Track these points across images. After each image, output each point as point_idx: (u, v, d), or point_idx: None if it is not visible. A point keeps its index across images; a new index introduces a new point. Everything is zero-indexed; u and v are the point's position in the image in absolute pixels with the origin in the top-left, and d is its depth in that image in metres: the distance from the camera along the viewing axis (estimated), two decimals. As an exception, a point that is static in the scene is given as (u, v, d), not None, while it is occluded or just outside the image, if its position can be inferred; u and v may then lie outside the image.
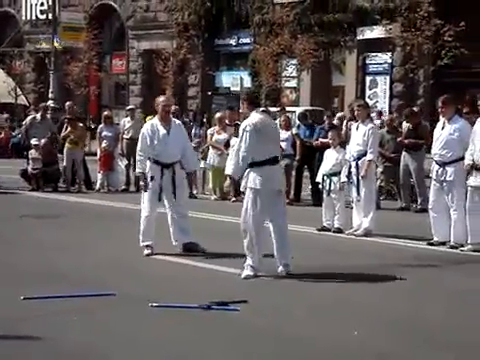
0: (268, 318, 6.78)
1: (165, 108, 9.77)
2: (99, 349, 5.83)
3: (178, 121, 10.32)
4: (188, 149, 9.94)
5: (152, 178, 9.59)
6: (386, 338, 6.21)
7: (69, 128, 17.51)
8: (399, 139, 14.61)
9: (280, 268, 8.50)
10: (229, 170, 8.67)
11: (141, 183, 9.80)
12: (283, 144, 15.69)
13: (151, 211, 9.65)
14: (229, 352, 5.85)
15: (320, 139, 15.13)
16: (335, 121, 16.51)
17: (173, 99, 9.76)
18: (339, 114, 16.13)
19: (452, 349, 5.96)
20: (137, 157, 9.82)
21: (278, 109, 18.67)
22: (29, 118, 18.90)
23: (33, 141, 18.31)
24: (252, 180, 8.46)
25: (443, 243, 10.46)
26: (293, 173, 16.12)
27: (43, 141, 18.12)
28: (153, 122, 9.81)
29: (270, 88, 28.93)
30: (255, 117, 8.58)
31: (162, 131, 9.63)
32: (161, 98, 10.10)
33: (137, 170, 9.99)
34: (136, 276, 8.43)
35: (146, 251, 9.59)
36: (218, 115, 17.15)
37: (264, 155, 8.47)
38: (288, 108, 26.82)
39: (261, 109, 8.96)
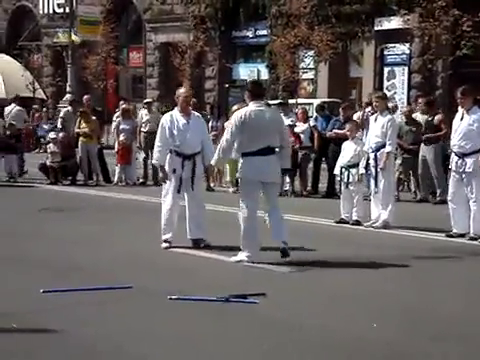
0: (287, 310, 6.76)
1: (186, 99, 9.73)
2: (117, 342, 5.83)
3: (197, 113, 10.31)
4: (207, 142, 9.92)
5: (174, 171, 9.53)
6: (404, 330, 6.17)
7: (82, 121, 17.54)
8: (425, 136, 14.43)
9: (281, 246, 8.61)
10: (213, 161, 9.05)
11: (160, 175, 9.76)
12: (301, 136, 15.70)
13: (173, 204, 9.61)
14: (248, 344, 5.83)
15: (334, 130, 15.09)
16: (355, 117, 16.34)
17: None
18: (356, 115, 15.92)
19: (469, 341, 5.91)
20: (155, 148, 9.75)
21: (277, 103, 18.59)
22: (64, 111, 18.95)
23: (51, 135, 18.40)
24: (242, 171, 8.73)
25: (462, 235, 10.40)
26: (310, 165, 16.11)
27: (61, 135, 18.20)
28: (173, 113, 9.76)
29: (287, 80, 28.84)
30: (247, 109, 8.74)
31: (182, 122, 9.59)
32: (182, 89, 10.11)
33: (154, 161, 9.96)
34: (154, 269, 8.43)
35: (164, 244, 9.57)
36: (235, 107, 17.09)
37: (254, 146, 8.61)
38: (306, 100, 26.83)
39: (262, 101, 9.07)
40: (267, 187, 8.80)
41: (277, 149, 8.83)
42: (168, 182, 9.61)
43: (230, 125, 8.86)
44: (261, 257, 8.67)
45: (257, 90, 9.07)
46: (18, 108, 21.57)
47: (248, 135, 8.63)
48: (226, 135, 8.81)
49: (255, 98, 8.85)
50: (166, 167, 9.58)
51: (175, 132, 9.55)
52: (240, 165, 8.82)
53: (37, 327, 6.11)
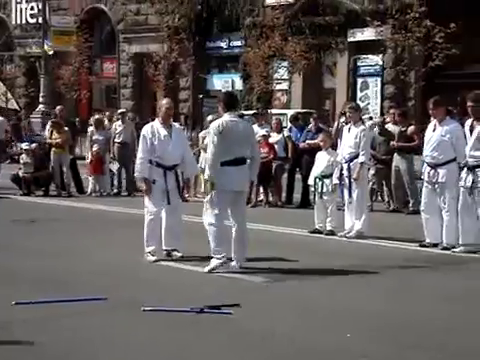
0: (260, 321, 6.76)
1: (168, 111, 9.68)
2: (90, 353, 5.79)
3: (178, 125, 10.27)
4: (188, 153, 9.89)
5: (154, 181, 9.48)
6: (376, 340, 6.19)
7: (55, 132, 17.45)
8: (392, 143, 14.59)
9: (233, 263, 8.74)
10: (206, 175, 8.97)
11: (143, 187, 9.65)
12: (275, 146, 15.74)
13: (156, 214, 9.54)
14: (222, 355, 5.82)
15: (307, 141, 15.15)
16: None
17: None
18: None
19: (440, 351, 5.94)
20: (137, 160, 9.67)
21: (253, 113, 18.66)
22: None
23: (24, 145, 18.29)
24: (218, 180, 8.74)
25: (435, 245, 10.46)
26: (285, 175, 16.15)
27: (34, 145, 18.11)
28: (153, 124, 9.69)
29: (262, 91, 28.93)
30: (221, 120, 8.82)
31: (163, 133, 9.53)
32: (164, 100, 10.06)
33: (137, 174, 9.82)
34: (128, 281, 8.39)
35: (151, 257, 9.44)
36: (209, 118, 17.12)
37: (226, 156, 8.69)
38: (280, 111, 26.92)
39: (235, 112, 9.14)
40: (237, 196, 8.84)
41: (248, 160, 8.88)
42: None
43: (210, 138, 8.83)
44: (233, 267, 8.69)
45: (231, 101, 9.11)
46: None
47: (224, 145, 8.67)
48: (211, 149, 8.78)
49: (229, 109, 8.90)
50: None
51: (156, 143, 9.49)
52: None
53: (9, 339, 6.05)
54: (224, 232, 8.81)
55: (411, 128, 14.81)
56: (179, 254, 9.51)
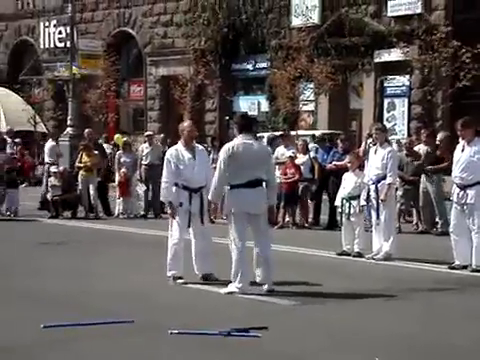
0: (289, 344, 6.71)
1: (190, 133, 9.69)
2: (118, 377, 5.78)
3: (201, 147, 10.29)
4: (210, 175, 9.88)
5: (181, 204, 9.45)
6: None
7: (84, 155, 17.58)
8: (428, 168, 14.42)
9: (264, 288, 8.68)
10: (210, 195, 8.99)
11: (169, 211, 9.63)
12: (301, 168, 15.72)
13: (180, 239, 9.50)
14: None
15: (334, 162, 15.13)
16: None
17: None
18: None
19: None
20: (162, 184, 9.63)
21: (279, 134, 18.66)
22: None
23: (52, 169, 18.42)
24: (227, 203, 8.79)
25: (465, 267, 10.34)
26: (311, 197, 16.10)
27: (61, 168, 18.25)
28: (177, 147, 9.68)
29: (288, 112, 28.94)
30: (235, 142, 8.81)
31: (188, 156, 9.52)
32: (186, 123, 10.04)
33: (163, 198, 9.79)
34: (156, 303, 8.38)
35: (178, 281, 9.39)
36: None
37: (239, 179, 8.66)
38: (306, 132, 26.90)
39: (250, 134, 9.06)
40: (253, 219, 8.78)
41: (264, 182, 8.83)
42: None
43: (219, 160, 8.85)
44: (261, 290, 8.64)
45: (245, 123, 9.08)
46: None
47: (236, 167, 8.66)
48: (217, 171, 8.81)
49: (243, 131, 8.87)
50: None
51: (181, 167, 9.48)
52: (226, 198, 8.84)
53: (37, 363, 6.07)
54: (242, 259, 8.70)
55: (441, 149, 14.70)
56: (214, 278, 9.46)
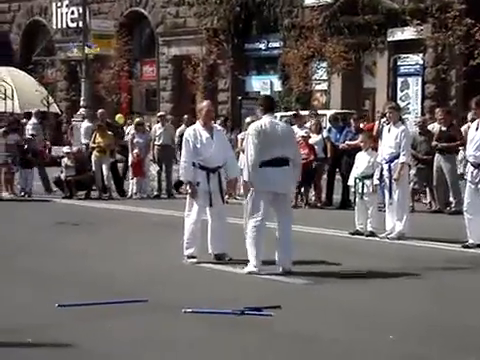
0: (301, 323, 6.73)
1: (209, 113, 9.68)
2: (132, 355, 5.82)
3: (219, 126, 10.27)
4: (230, 155, 9.87)
5: (198, 184, 9.46)
6: (419, 342, 6.13)
7: (98, 136, 17.61)
8: (433, 143, 14.42)
9: (280, 269, 8.67)
10: (245, 176, 8.94)
11: (189, 190, 9.62)
12: (315, 147, 15.69)
13: (198, 218, 9.53)
14: (264, 357, 5.81)
15: (347, 141, 15.10)
16: None
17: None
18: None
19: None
20: (181, 164, 9.62)
21: (292, 114, 18.60)
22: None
23: (65, 149, 18.48)
24: (252, 182, 8.75)
25: (479, 245, 10.33)
26: (324, 176, 16.09)
27: (75, 148, 18.31)
28: (195, 127, 9.68)
29: (300, 91, 28.86)
30: (262, 121, 8.83)
31: (206, 135, 9.52)
32: (204, 103, 10.02)
33: (182, 178, 9.81)
34: (169, 282, 8.43)
35: (190, 260, 9.43)
36: (248, 119, 17.11)
37: (264, 157, 8.65)
38: (319, 111, 26.81)
39: (273, 114, 9.15)
40: (278, 198, 8.79)
41: (291, 162, 8.83)
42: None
43: (250, 139, 8.80)
44: (272, 268, 8.65)
45: (269, 104, 9.13)
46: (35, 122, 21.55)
47: (262, 146, 8.66)
48: (250, 151, 8.72)
49: (267, 112, 8.90)
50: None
51: (199, 146, 9.48)
52: (252, 175, 8.80)
53: (53, 342, 6.11)
54: (258, 239, 8.71)
55: (454, 127, 14.62)
56: (228, 257, 9.49)
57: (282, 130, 8.87)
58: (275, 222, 8.89)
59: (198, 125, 9.68)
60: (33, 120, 20.19)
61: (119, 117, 27.00)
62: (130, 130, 19.55)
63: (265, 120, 8.83)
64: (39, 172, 18.41)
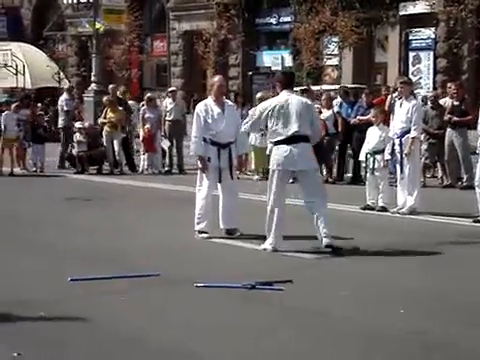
0: (312, 298, 6.76)
1: (220, 88, 9.65)
2: (143, 329, 5.87)
3: (231, 102, 10.24)
4: (240, 131, 9.80)
5: (209, 159, 9.46)
6: (433, 317, 6.15)
7: (109, 111, 17.62)
8: (448, 117, 14.32)
9: (324, 241, 8.56)
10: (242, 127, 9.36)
11: (199, 165, 9.58)
12: (327, 123, 15.64)
13: (208, 193, 9.53)
14: (275, 330, 5.84)
15: (358, 117, 15.05)
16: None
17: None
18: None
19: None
20: (192, 139, 9.61)
21: (301, 89, 18.52)
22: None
23: (77, 124, 18.51)
24: (271, 160, 8.74)
25: (490, 220, 10.32)
26: (336, 152, 16.07)
27: (87, 124, 18.34)
28: (206, 102, 9.65)
29: (312, 66, 28.72)
30: (280, 97, 8.78)
31: (217, 111, 9.50)
32: (216, 78, 9.98)
33: (193, 152, 9.73)
34: (181, 257, 8.47)
35: (201, 235, 9.46)
36: (259, 95, 17.09)
37: (285, 133, 8.59)
38: (330, 86, 26.71)
39: (294, 89, 9.13)
40: (300, 176, 8.73)
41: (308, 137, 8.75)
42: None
43: (261, 107, 8.83)
44: (288, 245, 8.67)
45: (288, 80, 9.05)
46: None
47: (279, 122, 8.60)
48: (257, 112, 8.83)
49: (286, 88, 8.84)
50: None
51: (210, 121, 9.46)
52: (272, 154, 8.77)
53: (65, 315, 6.16)
54: (275, 216, 8.65)
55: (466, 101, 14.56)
56: (238, 233, 9.51)
57: (301, 105, 8.72)
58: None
59: (210, 100, 9.66)
60: (65, 96, 19.85)
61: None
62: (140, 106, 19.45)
63: (282, 96, 8.75)
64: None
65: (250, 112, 16.65)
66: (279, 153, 8.62)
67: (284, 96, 8.75)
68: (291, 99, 8.74)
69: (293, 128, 8.59)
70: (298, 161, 8.60)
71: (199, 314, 6.27)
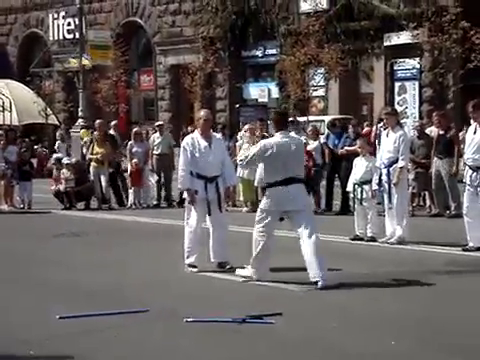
0: (304, 330, 6.73)
1: (207, 122, 9.67)
2: (135, 366, 5.82)
3: (218, 135, 10.25)
4: (227, 163, 9.82)
5: (196, 192, 9.43)
6: (424, 345, 6.13)
7: (96, 146, 17.61)
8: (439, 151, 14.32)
9: (317, 282, 8.44)
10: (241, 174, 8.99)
11: (187, 198, 9.56)
12: (313, 154, 15.69)
13: (197, 226, 9.50)
14: (265, 366, 5.81)
15: (345, 147, 15.11)
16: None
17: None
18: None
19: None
20: (180, 172, 9.60)
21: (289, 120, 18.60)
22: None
23: (64, 160, 18.48)
24: (265, 201, 8.72)
25: (478, 248, 10.32)
26: (323, 182, 16.09)
27: (74, 160, 18.31)
28: (193, 136, 9.67)
29: (298, 98, 28.89)
30: (273, 140, 8.79)
31: (203, 144, 9.50)
32: (202, 112, 9.98)
33: (180, 186, 9.70)
34: (169, 292, 8.42)
35: (191, 269, 9.42)
36: (247, 127, 17.16)
37: (274, 177, 8.59)
38: (317, 117, 26.86)
39: (287, 131, 9.00)
40: (292, 215, 8.68)
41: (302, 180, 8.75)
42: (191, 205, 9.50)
43: (253, 152, 8.85)
44: (274, 276, 8.64)
45: (281, 120, 9.00)
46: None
47: (273, 166, 8.59)
48: (253, 154, 8.81)
49: (281, 129, 8.82)
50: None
51: (197, 155, 9.46)
52: (267, 194, 8.72)
53: (54, 354, 6.11)
54: (263, 253, 8.67)
55: (452, 132, 14.64)
56: (229, 265, 9.47)
57: (295, 149, 8.68)
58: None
59: (196, 134, 9.68)
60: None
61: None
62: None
63: (276, 139, 8.72)
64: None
65: (237, 144, 16.74)
66: (274, 194, 8.59)
67: (278, 139, 8.70)
68: (286, 142, 8.69)
69: (289, 171, 8.57)
70: (293, 201, 8.57)
71: (190, 349, 6.22)
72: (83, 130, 27.12)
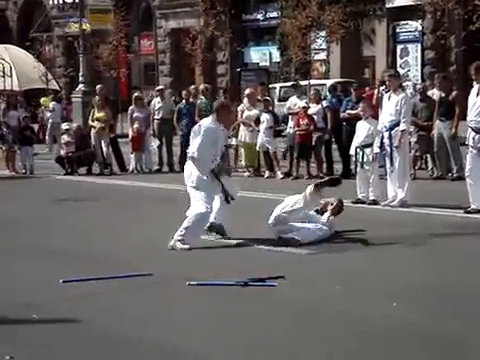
0: (305, 292, 6.76)
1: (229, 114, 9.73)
2: (137, 329, 5.85)
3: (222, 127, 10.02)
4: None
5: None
6: (425, 309, 6.15)
7: (96, 111, 17.55)
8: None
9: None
10: None
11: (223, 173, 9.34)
12: (315, 118, 15.63)
13: (208, 206, 9.01)
14: (269, 325, 5.83)
15: (347, 111, 15.04)
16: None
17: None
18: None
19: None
20: (197, 157, 9.04)
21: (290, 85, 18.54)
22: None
23: (64, 125, 18.45)
24: None
25: (481, 210, 10.34)
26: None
27: (75, 125, 18.28)
28: (213, 125, 9.20)
29: (299, 62, 28.73)
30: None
31: (224, 135, 9.53)
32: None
33: (202, 173, 9.07)
34: (172, 256, 8.45)
35: (185, 246, 8.86)
36: (248, 91, 17.06)
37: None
38: (318, 81, 26.73)
39: None
40: None
41: None
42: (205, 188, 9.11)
43: None
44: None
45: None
46: None
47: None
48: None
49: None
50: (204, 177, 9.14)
51: (218, 144, 9.23)
52: None
53: (58, 317, 6.14)
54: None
55: (454, 93, 14.56)
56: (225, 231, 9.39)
57: None
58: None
59: (217, 124, 9.24)
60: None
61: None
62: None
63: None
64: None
65: (239, 109, 16.66)
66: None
67: None
68: None
69: None
70: None
71: (193, 312, 6.26)
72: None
